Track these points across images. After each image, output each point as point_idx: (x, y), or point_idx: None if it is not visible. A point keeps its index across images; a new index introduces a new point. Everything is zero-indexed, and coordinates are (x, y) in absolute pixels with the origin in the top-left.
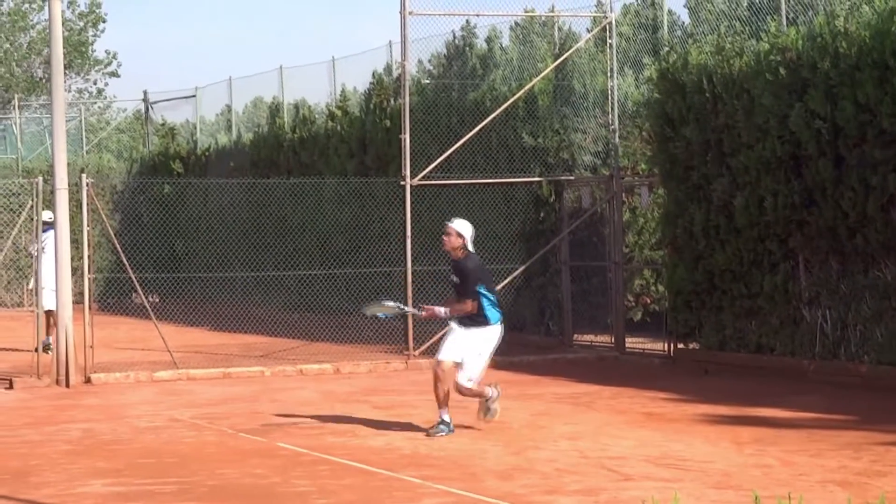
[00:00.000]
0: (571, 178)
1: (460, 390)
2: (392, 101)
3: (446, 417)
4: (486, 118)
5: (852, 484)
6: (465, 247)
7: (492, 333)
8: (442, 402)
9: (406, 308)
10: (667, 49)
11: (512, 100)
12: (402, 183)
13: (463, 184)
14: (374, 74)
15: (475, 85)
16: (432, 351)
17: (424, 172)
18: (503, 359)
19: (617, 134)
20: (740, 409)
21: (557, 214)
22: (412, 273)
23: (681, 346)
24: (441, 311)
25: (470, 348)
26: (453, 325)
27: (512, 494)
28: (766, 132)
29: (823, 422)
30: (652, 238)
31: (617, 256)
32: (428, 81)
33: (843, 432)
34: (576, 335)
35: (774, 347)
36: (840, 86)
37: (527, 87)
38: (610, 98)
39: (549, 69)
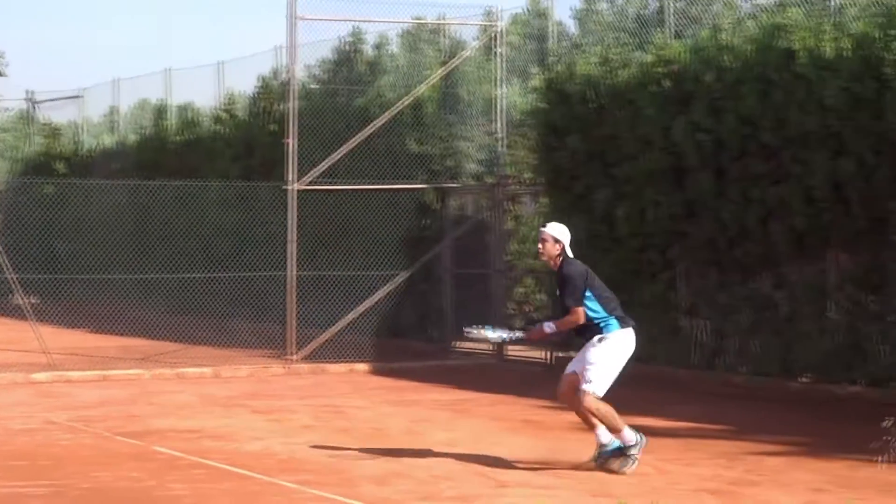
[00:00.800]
0: (456, 185)
1: (582, 401)
2: (278, 106)
3: (603, 438)
4: (372, 124)
5: (724, 493)
6: (563, 252)
7: (611, 341)
8: (588, 425)
9: (509, 335)
10: (553, 59)
11: (398, 106)
12: (286, 187)
13: (348, 189)
14: (260, 79)
15: (362, 91)
16: (314, 356)
17: (309, 177)
18: (383, 365)
19: (502, 142)
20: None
21: (441, 221)
22: (296, 278)
23: (560, 354)
24: (547, 326)
25: (586, 359)
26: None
27: (387, 500)
28: (649, 143)
29: (700, 431)
30: (535, 247)
31: (499, 264)
32: (315, 86)
33: (718, 442)
34: (457, 342)
35: (653, 357)
36: (723, 99)
37: (413, 94)
38: (496, 107)
39: (436, 76)
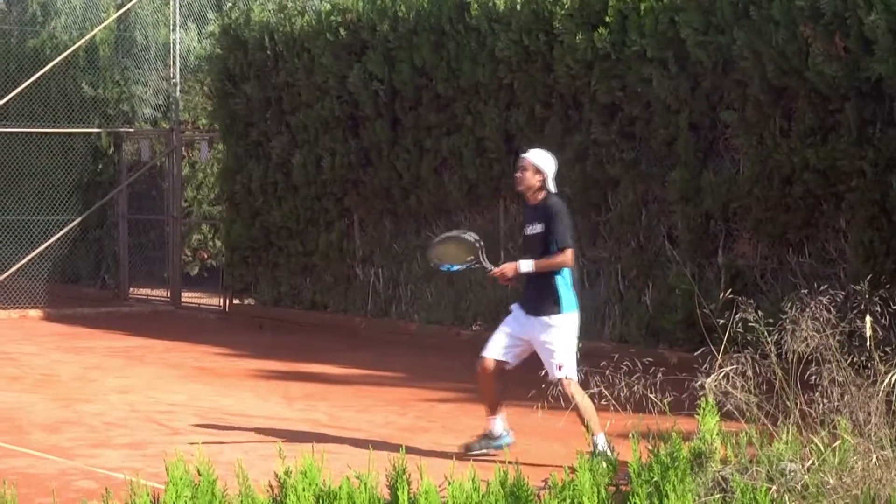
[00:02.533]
0: (131, 130)
1: (564, 391)
2: None
3: (496, 429)
4: (45, 66)
5: (395, 438)
6: (544, 186)
7: (566, 324)
8: (489, 410)
9: (484, 262)
10: (230, 5)
11: (72, 49)
12: None
13: (20, 132)
14: None
15: (35, 32)
16: None
17: None
18: (56, 311)
19: (178, 88)
20: (292, 365)
21: (116, 167)
22: None
23: (237, 301)
24: (524, 265)
25: (543, 345)
26: (514, 307)
27: (58, 448)
28: (325, 92)
29: (373, 378)
30: (211, 193)
31: (175, 211)
32: None
33: (391, 389)
34: (132, 289)
35: (328, 304)
36: (398, 49)
37: (88, 37)
38: (172, 51)
39: (111, 19)
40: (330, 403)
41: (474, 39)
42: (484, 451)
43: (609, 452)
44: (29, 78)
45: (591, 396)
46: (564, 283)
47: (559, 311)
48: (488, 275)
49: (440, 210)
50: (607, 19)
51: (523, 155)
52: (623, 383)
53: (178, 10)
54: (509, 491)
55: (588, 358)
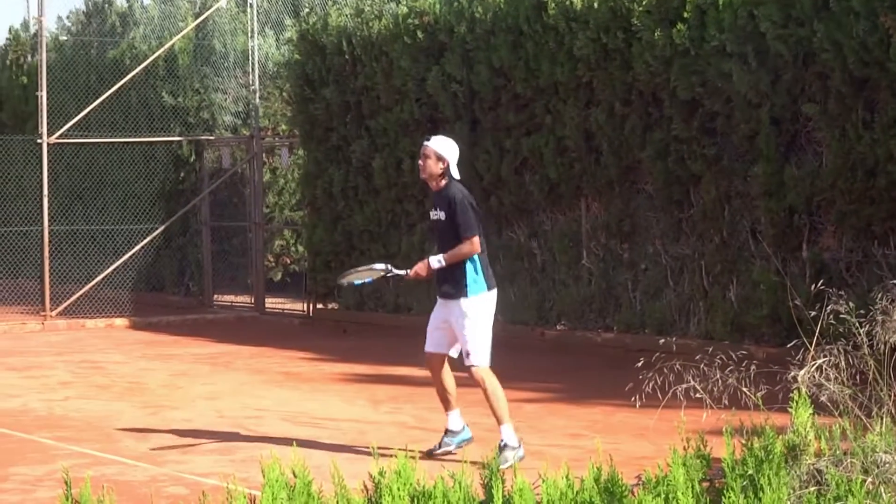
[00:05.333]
0: (212, 137)
1: (473, 377)
2: (29, 58)
3: (453, 424)
4: (125, 77)
5: (482, 440)
6: (447, 172)
7: (478, 309)
8: (444, 405)
9: (396, 270)
10: (307, 10)
11: (152, 58)
12: (39, 141)
13: (102, 142)
14: (10, 30)
15: (115, 43)
16: (71, 311)
17: (62, 131)
18: (141, 319)
19: (257, 94)
20: (377, 368)
21: (198, 174)
22: (49, 233)
23: (320, 306)
24: (435, 261)
25: (458, 333)
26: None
27: (147, 454)
28: (404, 95)
29: (458, 380)
30: (292, 199)
31: (257, 217)
32: (66, 38)
33: (475, 390)
34: (216, 295)
35: (412, 307)
36: (476, 50)
37: (167, 46)
38: (250, 58)
39: (189, 28)
40: (416, 406)
41: (552, 39)
42: (446, 449)
43: (516, 445)
44: (110, 88)
45: (686, 392)
46: (474, 268)
47: (467, 295)
48: (405, 279)
49: (521, 210)
50: (685, 15)
51: (425, 143)
52: (717, 377)
53: (255, 18)
54: (603, 487)
55: (676, 355)
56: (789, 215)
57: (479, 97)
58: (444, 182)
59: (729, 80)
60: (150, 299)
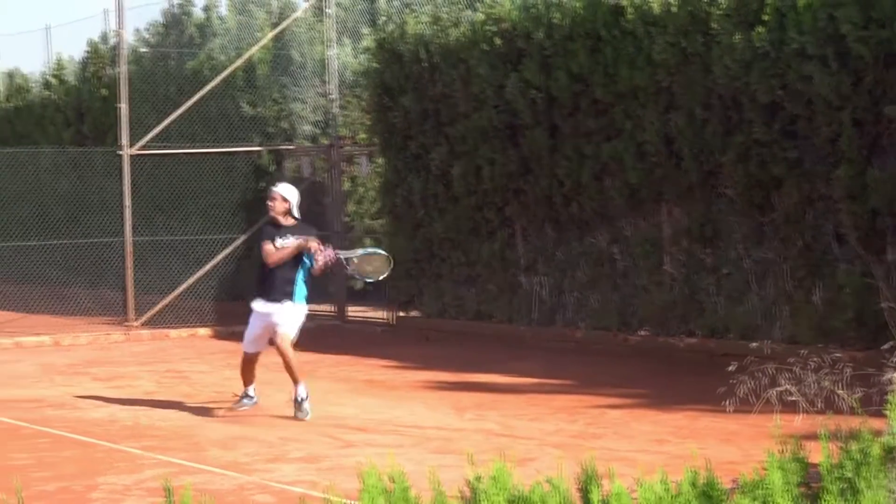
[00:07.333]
0: (291, 147)
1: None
2: (109, 70)
3: (251, 391)
4: (204, 87)
5: (568, 446)
6: (290, 212)
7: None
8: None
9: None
10: (384, 19)
11: (230, 69)
12: (120, 153)
13: (182, 153)
14: (89, 43)
15: (193, 54)
16: (154, 322)
17: (143, 142)
18: (224, 329)
19: (336, 103)
20: (460, 376)
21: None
22: (132, 244)
23: (402, 314)
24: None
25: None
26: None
27: (235, 463)
28: (482, 102)
29: (541, 386)
30: (372, 207)
31: (338, 226)
32: (145, 50)
33: (559, 396)
34: None
35: (493, 314)
36: (554, 56)
37: (245, 57)
38: (328, 68)
39: (267, 38)
40: (500, 412)
41: (630, 43)
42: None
43: (306, 401)
44: (189, 99)
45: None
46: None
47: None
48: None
49: (602, 216)
50: (765, 18)
51: (273, 189)
52: (812, 379)
53: (332, 27)
54: (700, 491)
55: (764, 359)
56: (872, 218)
57: (557, 103)
58: (291, 220)
59: (810, 83)
60: (233, 309)
